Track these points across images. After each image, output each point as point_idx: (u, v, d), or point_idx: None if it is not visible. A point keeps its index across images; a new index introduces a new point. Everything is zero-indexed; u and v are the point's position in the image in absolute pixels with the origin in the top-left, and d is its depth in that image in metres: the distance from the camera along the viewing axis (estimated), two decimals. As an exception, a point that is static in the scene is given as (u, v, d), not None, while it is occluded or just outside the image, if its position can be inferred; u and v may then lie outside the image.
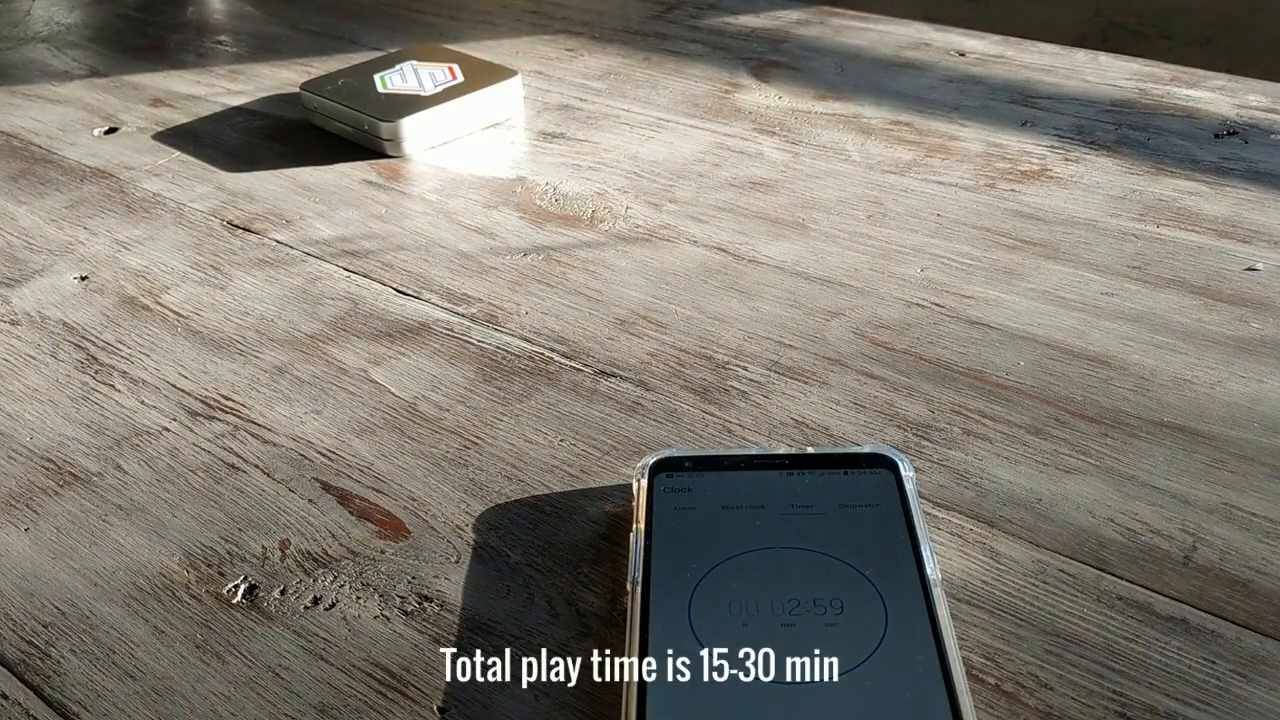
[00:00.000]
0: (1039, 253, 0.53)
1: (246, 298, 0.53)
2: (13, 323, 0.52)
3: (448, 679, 0.34)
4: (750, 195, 0.59)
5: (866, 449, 0.39)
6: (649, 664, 0.31)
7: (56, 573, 0.39)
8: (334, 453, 0.43)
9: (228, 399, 0.46)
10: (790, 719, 0.30)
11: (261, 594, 0.37)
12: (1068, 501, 0.39)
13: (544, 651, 0.35)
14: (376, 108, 0.65)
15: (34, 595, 0.38)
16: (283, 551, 0.39)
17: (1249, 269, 0.51)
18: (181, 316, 0.52)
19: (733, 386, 0.45)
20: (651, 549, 0.35)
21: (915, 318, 0.49)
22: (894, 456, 0.38)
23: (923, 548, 0.35)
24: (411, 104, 0.66)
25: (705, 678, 0.31)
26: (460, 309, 0.51)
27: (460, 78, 0.68)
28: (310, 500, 0.41)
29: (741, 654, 0.32)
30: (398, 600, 0.37)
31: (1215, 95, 0.66)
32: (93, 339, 0.51)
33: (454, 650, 0.35)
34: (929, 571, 0.34)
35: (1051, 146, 0.62)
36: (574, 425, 0.44)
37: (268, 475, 0.42)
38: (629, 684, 0.31)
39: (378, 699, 0.34)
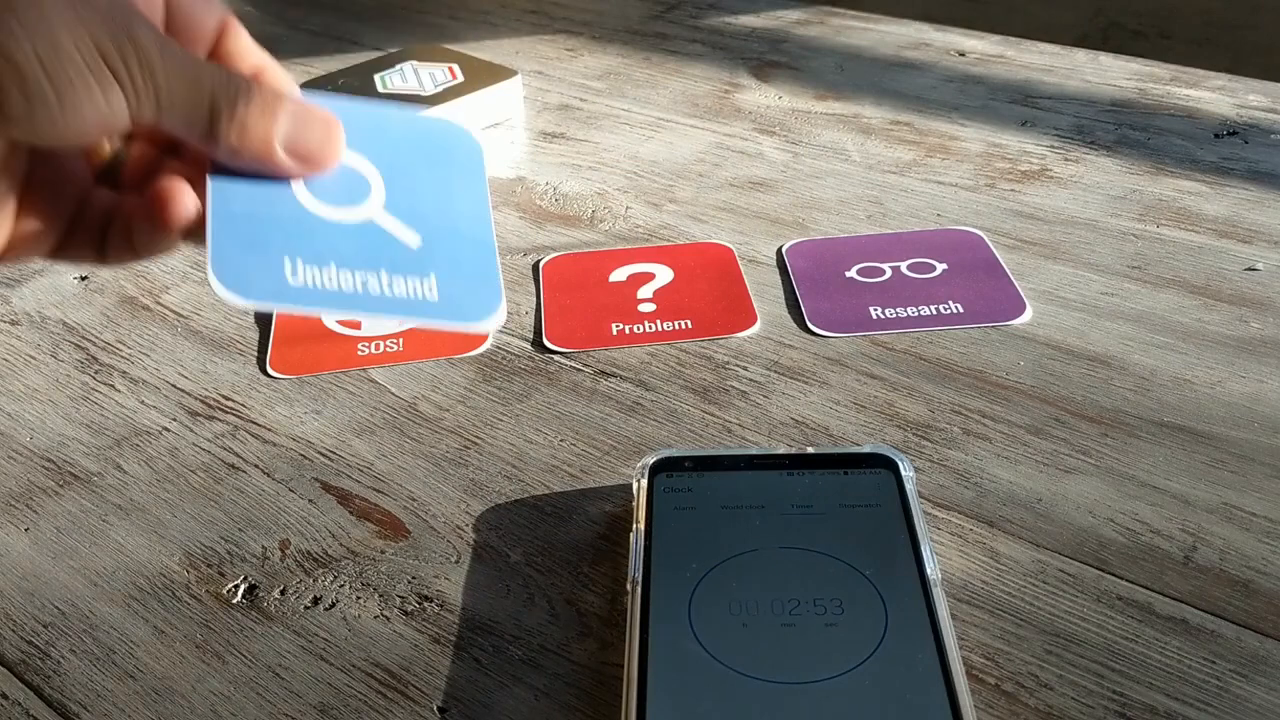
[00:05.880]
0: (1039, 253, 0.53)
1: (246, 298, 0.53)
2: (13, 323, 0.52)
3: (447, 678, 0.34)
4: (750, 195, 0.59)
5: (866, 449, 0.39)
6: (649, 664, 0.31)
7: (56, 573, 0.39)
8: (334, 453, 0.43)
9: (228, 399, 0.46)
10: (790, 718, 0.30)
11: (261, 594, 0.37)
12: (1068, 501, 0.39)
13: (544, 651, 0.35)
14: (376, 108, 0.65)
15: (34, 595, 0.38)
16: (283, 551, 0.39)
17: (1249, 269, 0.51)
18: (181, 316, 0.52)
19: (733, 386, 0.45)
20: (651, 549, 0.35)
21: (915, 318, 0.49)
22: (894, 456, 0.38)
23: (923, 548, 0.35)
24: (411, 104, 0.66)
25: (705, 677, 0.31)
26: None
27: (460, 78, 0.68)
28: (310, 500, 0.41)
29: (741, 654, 0.32)
30: (398, 600, 0.37)
31: (1215, 95, 0.66)
32: (93, 339, 0.51)
33: (454, 650, 0.35)
34: (929, 571, 0.34)
35: (1051, 146, 0.62)
36: (574, 425, 0.44)
37: (268, 475, 0.42)
38: (629, 684, 0.31)
39: (378, 699, 0.34)
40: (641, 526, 0.36)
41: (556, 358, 0.48)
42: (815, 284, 0.51)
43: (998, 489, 0.40)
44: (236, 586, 0.38)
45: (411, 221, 0.34)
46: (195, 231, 0.30)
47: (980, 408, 0.43)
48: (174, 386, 0.47)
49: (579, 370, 0.47)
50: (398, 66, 0.70)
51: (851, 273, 0.52)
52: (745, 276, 0.52)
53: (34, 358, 0.50)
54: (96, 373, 0.49)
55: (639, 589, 0.34)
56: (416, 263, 0.33)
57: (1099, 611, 0.35)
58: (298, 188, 0.33)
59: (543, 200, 0.60)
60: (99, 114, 0.29)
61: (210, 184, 0.32)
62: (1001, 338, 0.47)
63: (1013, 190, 0.58)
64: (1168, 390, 0.44)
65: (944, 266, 0.51)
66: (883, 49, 0.76)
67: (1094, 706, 0.32)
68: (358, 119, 0.34)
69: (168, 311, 0.52)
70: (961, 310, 0.48)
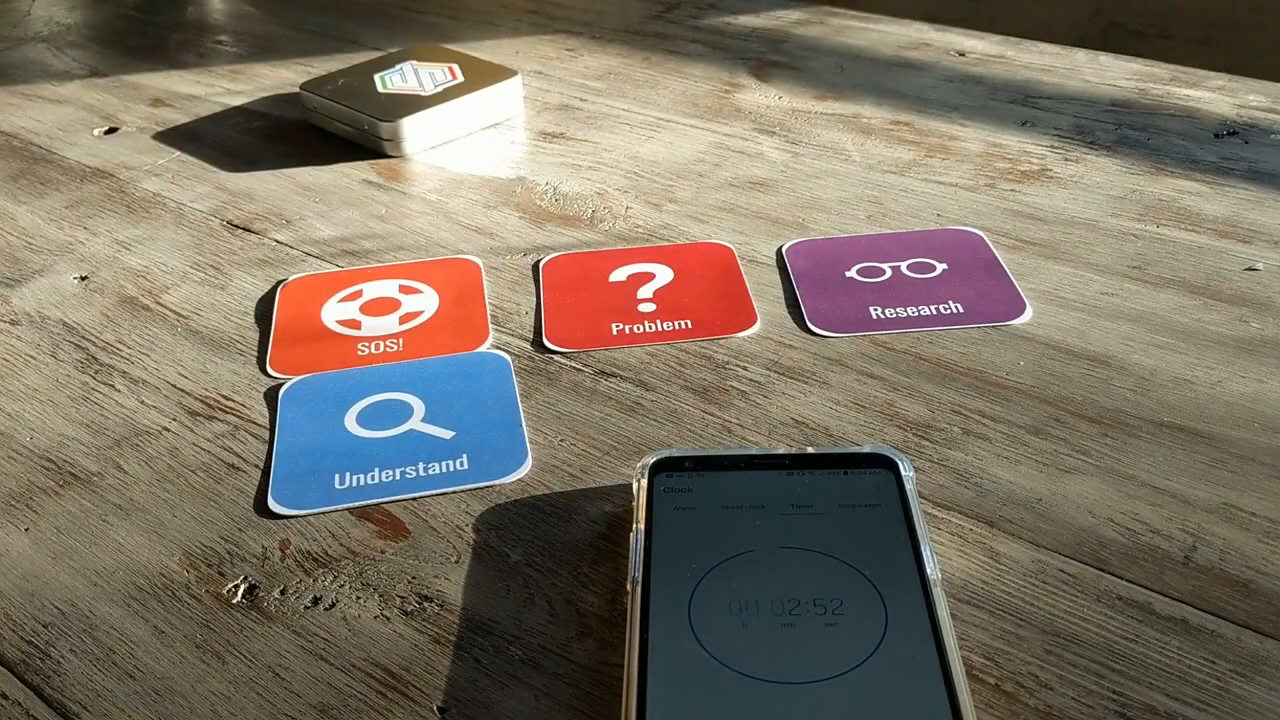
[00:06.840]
0: (1039, 253, 0.53)
1: (246, 298, 0.53)
2: (13, 323, 0.52)
3: (447, 678, 0.34)
4: (750, 195, 0.59)
5: (866, 449, 0.39)
6: (649, 664, 0.31)
7: (56, 573, 0.39)
8: (334, 453, 0.43)
9: (228, 399, 0.46)
10: (790, 718, 0.30)
11: (261, 594, 0.37)
12: (1068, 501, 0.39)
13: (544, 651, 0.35)
14: (376, 108, 0.65)
15: (34, 595, 0.38)
16: (283, 551, 0.39)
17: (1249, 269, 0.51)
18: (181, 316, 0.52)
19: (733, 386, 0.45)
20: (651, 549, 0.35)
21: (915, 318, 0.49)
22: (894, 456, 0.38)
23: (923, 548, 0.35)
24: (411, 104, 0.66)
25: (705, 677, 0.31)
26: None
27: (460, 78, 0.68)
28: (310, 500, 0.41)
29: (741, 654, 0.32)
30: (398, 600, 0.37)
31: (1215, 95, 0.66)
32: (93, 339, 0.51)
33: (454, 650, 0.35)
34: (929, 571, 0.34)
35: (1051, 146, 0.62)
36: (574, 425, 0.44)
37: (268, 475, 0.42)
38: (629, 684, 0.31)
39: (378, 699, 0.34)
40: (641, 526, 0.36)
41: (556, 358, 0.48)
42: (815, 284, 0.51)
43: (998, 489, 0.40)
44: (236, 586, 0.38)
45: (446, 424, 0.43)
46: None
47: (980, 408, 0.43)
48: (174, 386, 0.47)
49: (579, 370, 0.47)
50: (398, 66, 0.70)
51: (851, 273, 0.52)
52: (745, 276, 0.52)
53: (34, 358, 0.50)
54: (96, 373, 0.48)
55: (639, 589, 0.34)
56: (449, 449, 0.42)
57: (1099, 611, 0.35)
58: (349, 420, 0.43)
59: (543, 200, 0.60)
60: None
61: (281, 406, 0.44)
62: (1001, 338, 0.47)
63: (1013, 190, 0.58)
64: (1168, 390, 0.44)
65: (944, 266, 0.51)
66: (883, 49, 0.76)
67: (1094, 706, 0.32)
68: (407, 369, 0.46)
69: (168, 311, 0.52)
70: (961, 310, 0.48)
